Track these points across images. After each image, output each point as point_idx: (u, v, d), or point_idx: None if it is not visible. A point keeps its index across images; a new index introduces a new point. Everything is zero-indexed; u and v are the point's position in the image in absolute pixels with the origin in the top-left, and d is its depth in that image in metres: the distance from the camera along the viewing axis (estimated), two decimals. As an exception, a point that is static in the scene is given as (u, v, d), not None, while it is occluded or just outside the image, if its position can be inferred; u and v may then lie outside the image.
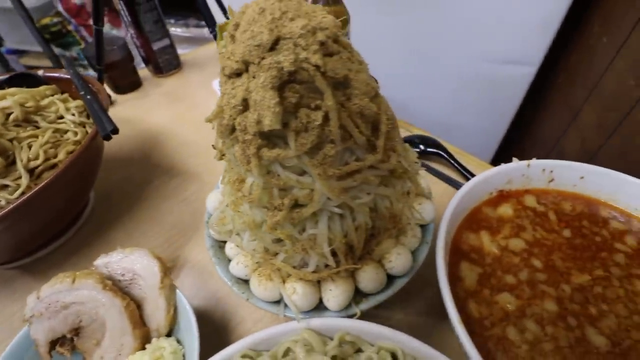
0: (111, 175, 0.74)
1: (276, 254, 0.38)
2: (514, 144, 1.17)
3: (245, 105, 0.29)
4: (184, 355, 0.41)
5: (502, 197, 0.52)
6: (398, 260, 0.39)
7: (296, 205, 0.33)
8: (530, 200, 0.51)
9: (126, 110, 0.92)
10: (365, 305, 0.38)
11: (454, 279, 0.43)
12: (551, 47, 0.92)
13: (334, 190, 0.31)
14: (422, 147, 0.73)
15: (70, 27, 1.56)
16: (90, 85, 0.59)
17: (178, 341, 0.43)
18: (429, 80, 1.07)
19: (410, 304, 0.48)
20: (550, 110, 0.98)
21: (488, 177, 0.49)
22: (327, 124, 0.29)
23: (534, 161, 0.51)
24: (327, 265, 0.37)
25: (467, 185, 0.47)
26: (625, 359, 0.36)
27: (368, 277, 0.37)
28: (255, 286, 0.38)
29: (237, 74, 0.29)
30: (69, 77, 0.63)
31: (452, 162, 0.68)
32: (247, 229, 0.36)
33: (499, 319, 0.40)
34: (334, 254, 0.36)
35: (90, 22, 0.81)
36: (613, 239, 0.47)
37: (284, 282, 0.37)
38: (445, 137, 0.76)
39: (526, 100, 1.05)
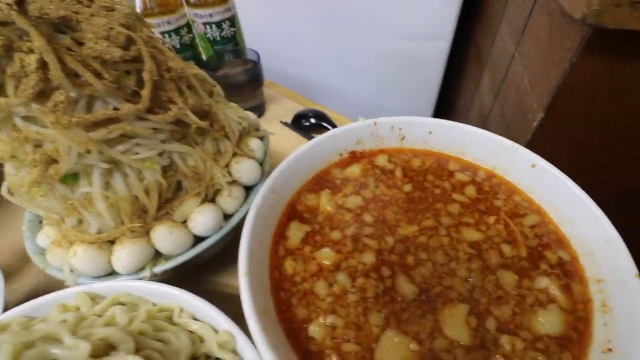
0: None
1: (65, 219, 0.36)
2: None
3: (-50, 52, 0.27)
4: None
5: (355, 158, 0.51)
6: (198, 220, 0.38)
7: (55, 161, 0.32)
8: (381, 160, 0.50)
9: None
10: (161, 267, 0.36)
11: (281, 238, 0.42)
12: (462, 21, 0.92)
13: (78, 141, 0.30)
14: (313, 120, 0.72)
15: None
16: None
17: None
18: (350, 62, 1.06)
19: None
20: (464, 84, 0.97)
21: (328, 138, 0.48)
22: (49, 68, 0.28)
23: (380, 119, 0.50)
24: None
25: (302, 148, 0.46)
26: (429, 305, 0.35)
27: (160, 237, 0.36)
28: (48, 254, 0.37)
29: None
30: None
31: (334, 132, 0.67)
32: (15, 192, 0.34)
33: (311, 274, 0.38)
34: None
35: None
36: (453, 190, 0.46)
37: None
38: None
39: (447, 77, 1.04)
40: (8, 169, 0.33)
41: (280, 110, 0.78)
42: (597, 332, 0.33)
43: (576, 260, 0.39)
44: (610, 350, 0.31)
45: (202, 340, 0.31)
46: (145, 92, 0.33)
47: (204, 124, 0.38)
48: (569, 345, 0.33)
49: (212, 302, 0.32)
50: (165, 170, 0.37)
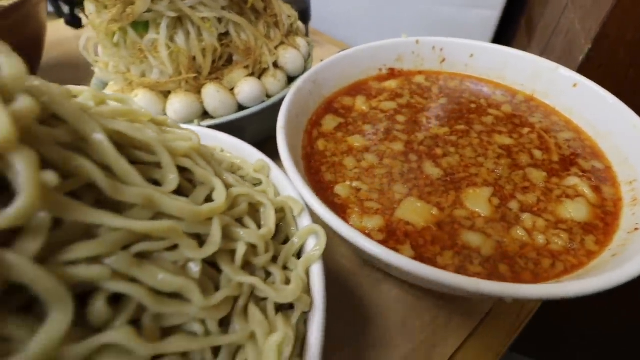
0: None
1: (129, 71, 0.41)
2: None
3: None
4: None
5: (393, 75, 0.52)
6: (243, 88, 0.41)
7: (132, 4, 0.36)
8: (419, 78, 0.52)
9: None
10: (207, 122, 0.40)
11: (315, 125, 0.44)
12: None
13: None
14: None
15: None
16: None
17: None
18: (395, 26, 1.08)
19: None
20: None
21: (370, 48, 0.50)
22: None
23: (423, 37, 0.51)
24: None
25: (345, 52, 0.48)
26: (453, 185, 0.36)
27: (209, 94, 0.39)
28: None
29: None
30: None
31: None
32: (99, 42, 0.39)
33: (342, 152, 0.40)
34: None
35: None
36: (489, 107, 0.46)
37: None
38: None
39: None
40: (90, 8, 0.38)
41: (323, 54, 0.81)
42: (624, 221, 0.33)
43: (610, 169, 0.38)
44: (636, 229, 0.30)
45: (239, 168, 0.33)
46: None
47: (260, 3, 0.41)
48: (593, 230, 0.33)
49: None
50: (220, 39, 0.41)
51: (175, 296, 0.18)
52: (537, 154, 0.39)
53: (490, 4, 0.93)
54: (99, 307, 0.15)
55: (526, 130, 0.42)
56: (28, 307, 0.14)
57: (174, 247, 0.19)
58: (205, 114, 0.41)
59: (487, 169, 0.38)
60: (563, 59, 0.56)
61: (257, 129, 0.45)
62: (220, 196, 0.22)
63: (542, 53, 0.66)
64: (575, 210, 0.34)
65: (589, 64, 0.49)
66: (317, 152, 0.41)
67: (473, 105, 0.46)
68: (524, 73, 0.47)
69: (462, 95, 0.48)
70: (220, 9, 0.39)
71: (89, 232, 0.16)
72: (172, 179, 0.21)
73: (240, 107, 0.42)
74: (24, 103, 0.15)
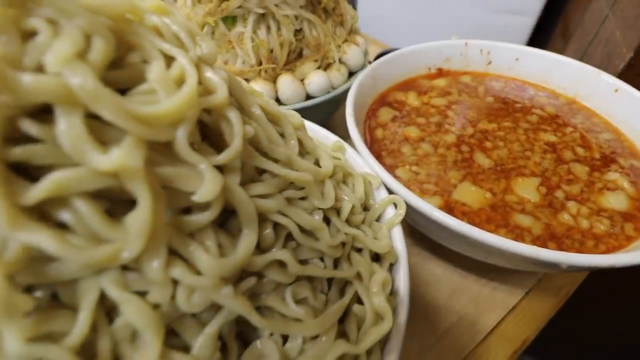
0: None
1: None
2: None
3: None
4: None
5: (441, 74, 0.56)
6: (313, 79, 0.45)
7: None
8: (466, 78, 0.55)
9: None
10: (282, 108, 0.45)
11: (372, 115, 0.49)
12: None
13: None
14: (395, 62, 0.78)
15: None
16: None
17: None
18: (430, 31, 1.11)
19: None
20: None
21: (421, 48, 0.54)
22: None
23: (472, 40, 0.55)
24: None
25: (400, 50, 0.53)
26: (503, 174, 0.40)
27: (284, 83, 0.44)
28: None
29: None
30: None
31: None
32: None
33: (399, 141, 0.45)
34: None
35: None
36: (533, 107, 0.50)
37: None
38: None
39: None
40: (188, 3, 0.43)
41: (364, 53, 0.85)
42: (661, 213, 0.36)
43: (648, 168, 0.41)
44: (674, 220, 0.34)
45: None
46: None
47: (331, 3, 0.46)
48: (632, 219, 0.36)
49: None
50: (295, 34, 0.46)
51: (309, 234, 0.22)
52: (580, 151, 0.43)
53: (527, 10, 0.96)
54: (269, 232, 0.20)
55: (569, 129, 0.46)
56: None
57: (304, 198, 0.23)
58: (276, 101, 0.46)
59: (534, 162, 0.41)
60: (602, 67, 0.59)
61: (316, 116, 0.50)
62: (328, 163, 0.27)
63: (580, 59, 0.69)
64: (615, 201, 0.37)
65: (629, 72, 0.52)
66: (376, 139, 0.45)
67: (518, 105, 0.50)
68: (567, 78, 0.51)
69: (507, 95, 0.52)
70: (299, 7, 0.44)
71: (252, 177, 0.21)
72: (293, 144, 0.25)
73: (307, 96, 0.47)
74: (224, 74, 0.20)
